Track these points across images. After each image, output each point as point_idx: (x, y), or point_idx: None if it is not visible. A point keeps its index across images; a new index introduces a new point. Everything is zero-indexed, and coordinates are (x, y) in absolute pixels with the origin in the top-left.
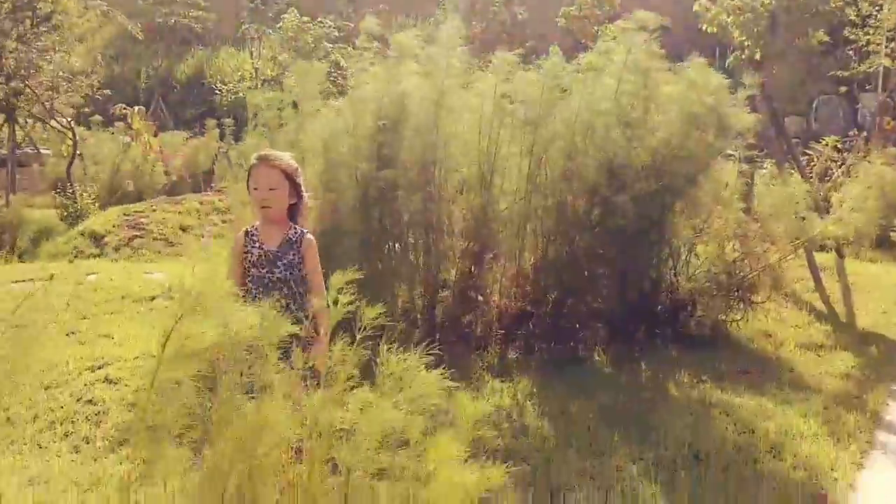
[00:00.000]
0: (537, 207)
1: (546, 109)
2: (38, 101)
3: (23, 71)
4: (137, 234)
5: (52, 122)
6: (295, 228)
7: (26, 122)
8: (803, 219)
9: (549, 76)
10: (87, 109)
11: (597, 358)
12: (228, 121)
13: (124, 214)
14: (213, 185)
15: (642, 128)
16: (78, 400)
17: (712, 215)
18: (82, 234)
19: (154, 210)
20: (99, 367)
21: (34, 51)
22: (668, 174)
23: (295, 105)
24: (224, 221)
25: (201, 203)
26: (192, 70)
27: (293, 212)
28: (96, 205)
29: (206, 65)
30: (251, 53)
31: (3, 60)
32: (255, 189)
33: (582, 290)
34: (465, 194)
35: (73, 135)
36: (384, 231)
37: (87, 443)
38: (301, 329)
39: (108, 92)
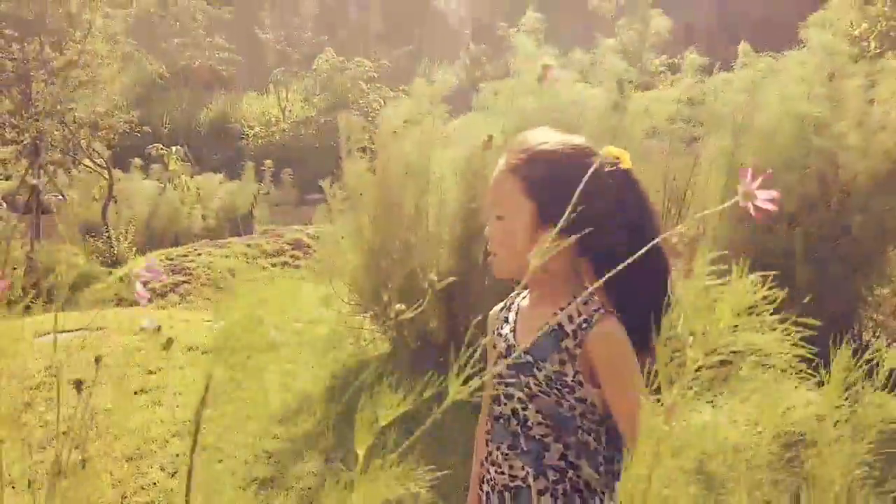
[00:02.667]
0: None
1: (747, 116)
2: (74, 140)
3: (59, 106)
4: (183, 279)
5: (87, 162)
6: (587, 306)
7: (50, 168)
8: None
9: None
10: (119, 148)
11: None
12: (268, 161)
13: (167, 259)
14: (255, 228)
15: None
16: (172, 475)
17: None
18: (122, 280)
19: (199, 254)
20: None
21: (69, 87)
22: None
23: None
24: (273, 265)
25: (248, 246)
26: (216, 114)
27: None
28: (133, 250)
29: (230, 109)
30: (279, 97)
31: (31, 101)
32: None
33: None
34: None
35: (110, 175)
36: None
37: None
38: None
39: (146, 129)
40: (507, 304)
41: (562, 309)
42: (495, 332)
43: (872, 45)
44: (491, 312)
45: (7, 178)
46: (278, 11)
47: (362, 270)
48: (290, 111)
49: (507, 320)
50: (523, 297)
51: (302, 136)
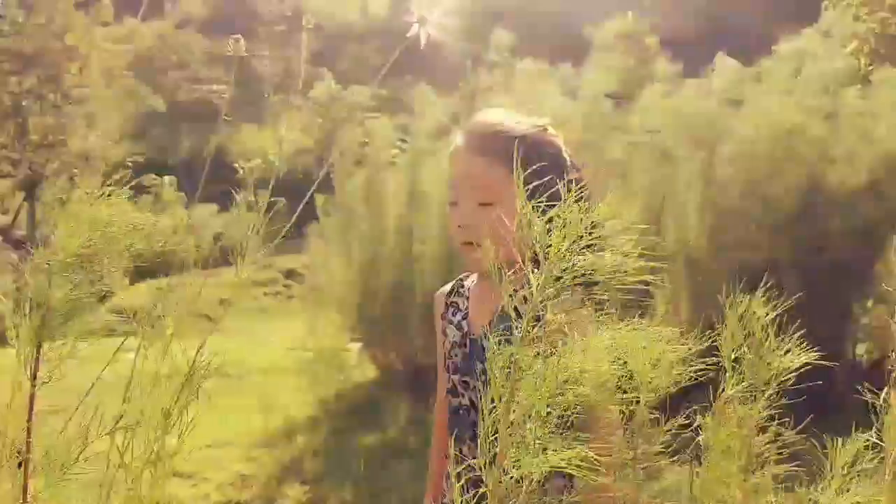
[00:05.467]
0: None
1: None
2: (70, 170)
3: (51, 136)
4: (174, 308)
5: (80, 193)
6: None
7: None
8: None
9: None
10: (112, 180)
11: None
12: (262, 192)
13: (157, 289)
14: (248, 258)
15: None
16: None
17: None
18: (111, 312)
19: (189, 285)
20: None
21: (64, 119)
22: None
23: None
24: (265, 294)
25: (240, 277)
26: (213, 146)
27: None
28: (125, 280)
29: (227, 140)
30: (275, 127)
31: (28, 136)
32: (453, 204)
33: None
34: None
35: None
36: None
37: None
38: None
39: (140, 158)
40: (455, 287)
41: (516, 291)
42: (445, 320)
43: (863, 61)
44: (436, 295)
45: (4, 213)
46: (277, 44)
47: (351, 289)
48: (286, 142)
49: (458, 307)
50: (473, 281)
51: (298, 165)
